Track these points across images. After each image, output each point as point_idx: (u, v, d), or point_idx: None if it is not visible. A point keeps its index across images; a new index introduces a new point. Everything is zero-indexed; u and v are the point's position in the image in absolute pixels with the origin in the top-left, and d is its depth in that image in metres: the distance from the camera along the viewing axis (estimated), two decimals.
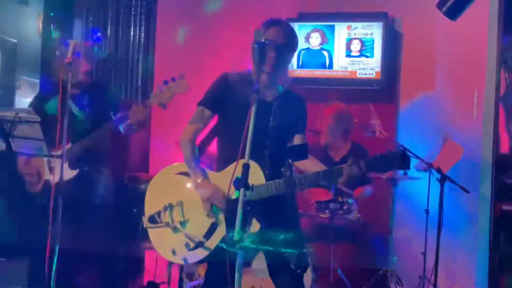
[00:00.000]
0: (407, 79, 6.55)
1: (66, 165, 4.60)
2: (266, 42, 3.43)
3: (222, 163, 3.71)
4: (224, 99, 3.73)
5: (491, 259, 6.12)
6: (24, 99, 7.15)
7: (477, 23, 6.04)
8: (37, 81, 6.95)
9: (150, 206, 3.84)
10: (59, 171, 4.38)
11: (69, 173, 4.65)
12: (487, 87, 6.14)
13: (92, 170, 4.79)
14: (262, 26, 3.65)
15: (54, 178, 4.60)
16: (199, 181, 3.66)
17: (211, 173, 3.71)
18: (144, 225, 3.83)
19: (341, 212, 5.28)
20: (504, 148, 7.66)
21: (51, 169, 4.66)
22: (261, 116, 3.31)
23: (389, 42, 6.44)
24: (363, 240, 5.58)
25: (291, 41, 3.69)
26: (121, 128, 4.70)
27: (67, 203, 4.39)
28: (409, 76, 6.54)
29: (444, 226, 5.59)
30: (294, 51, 3.79)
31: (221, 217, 3.59)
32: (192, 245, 3.67)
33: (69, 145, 4.65)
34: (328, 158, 5.54)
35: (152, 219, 3.80)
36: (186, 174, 3.74)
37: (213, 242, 3.61)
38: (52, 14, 6.52)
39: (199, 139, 3.94)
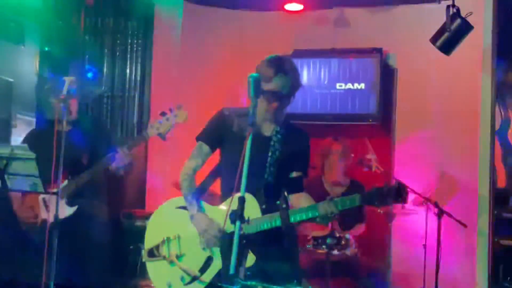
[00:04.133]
0: (403, 113, 6.57)
1: (63, 203, 4.61)
2: (260, 76, 3.43)
3: (222, 197, 3.72)
4: (222, 135, 3.74)
5: None
6: (19, 138, 7.13)
7: (471, 58, 6.08)
8: (33, 119, 6.95)
9: (150, 240, 3.84)
10: (55, 208, 4.41)
11: (67, 210, 4.65)
12: (482, 121, 6.14)
13: (89, 206, 4.77)
14: (269, 68, 3.56)
15: (50, 216, 4.58)
16: (194, 213, 3.65)
17: (208, 207, 3.71)
18: (143, 259, 3.83)
19: (338, 247, 5.24)
20: (501, 183, 7.67)
21: (47, 208, 4.63)
22: (259, 150, 3.31)
23: (384, 77, 6.47)
24: (361, 276, 5.53)
25: (295, 88, 3.64)
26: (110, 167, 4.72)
27: (66, 240, 4.39)
28: (404, 110, 6.57)
29: (442, 261, 5.56)
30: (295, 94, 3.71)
31: (217, 250, 3.58)
32: (187, 279, 3.66)
33: (65, 182, 4.65)
34: (327, 195, 5.50)
35: (151, 253, 3.80)
36: (185, 208, 3.73)
37: (209, 276, 3.60)
38: (46, 48, 6.55)
39: (201, 179, 3.93)
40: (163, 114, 4.39)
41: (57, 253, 4.18)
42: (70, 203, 4.66)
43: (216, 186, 3.92)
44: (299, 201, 3.65)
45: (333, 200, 3.45)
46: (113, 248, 4.86)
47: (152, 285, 3.90)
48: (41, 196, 4.58)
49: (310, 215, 3.46)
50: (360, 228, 5.65)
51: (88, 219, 4.75)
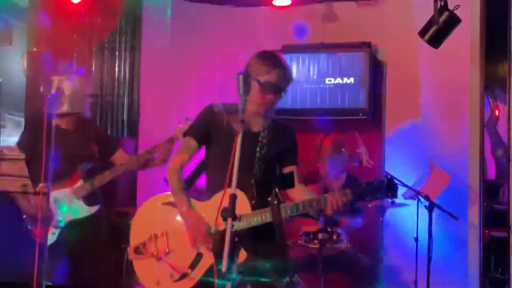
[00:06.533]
0: (392, 107, 6.58)
1: (80, 202, 4.65)
2: (251, 74, 3.46)
3: (209, 193, 3.68)
4: (210, 130, 3.73)
5: (482, 285, 6.09)
6: (9, 138, 7.11)
7: (460, 50, 6.09)
8: (22, 119, 6.93)
9: (136, 237, 3.79)
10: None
11: (86, 210, 4.67)
12: (471, 114, 6.16)
13: (106, 206, 4.85)
14: (266, 60, 3.61)
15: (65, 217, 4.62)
16: (184, 209, 3.63)
17: (197, 203, 3.68)
18: (129, 257, 3.77)
19: (330, 242, 5.25)
20: (491, 174, 7.70)
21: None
22: (248, 146, 3.31)
23: (373, 71, 6.48)
24: (353, 270, 5.54)
25: (289, 83, 3.68)
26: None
27: (83, 240, 4.54)
28: (394, 104, 6.58)
29: (434, 253, 5.58)
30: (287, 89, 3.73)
31: (204, 248, 3.57)
32: (176, 276, 3.63)
33: (80, 182, 4.66)
34: (327, 190, 5.51)
35: (137, 250, 3.75)
36: (172, 204, 3.70)
37: (199, 272, 3.58)
38: (35, 49, 6.53)
39: (187, 173, 3.92)
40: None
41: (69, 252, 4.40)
42: (89, 203, 4.68)
43: (201, 181, 3.91)
44: (299, 194, 3.65)
45: (323, 195, 3.48)
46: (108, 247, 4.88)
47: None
48: (53, 197, 4.55)
49: (301, 210, 3.47)
50: (355, 222, 5.66)
51: (105, 219, 4.84)
